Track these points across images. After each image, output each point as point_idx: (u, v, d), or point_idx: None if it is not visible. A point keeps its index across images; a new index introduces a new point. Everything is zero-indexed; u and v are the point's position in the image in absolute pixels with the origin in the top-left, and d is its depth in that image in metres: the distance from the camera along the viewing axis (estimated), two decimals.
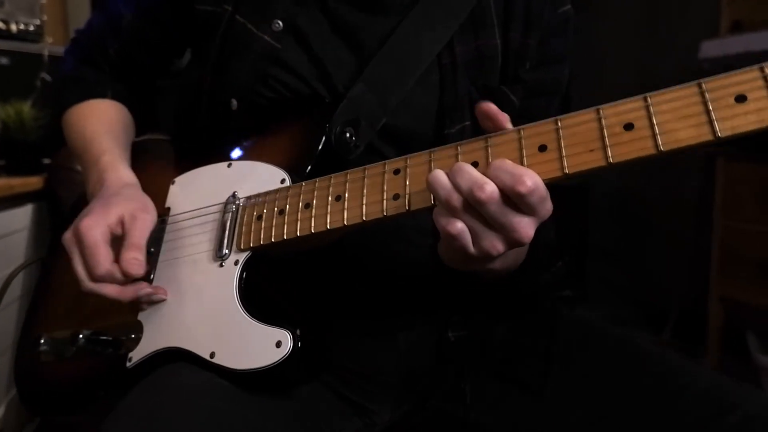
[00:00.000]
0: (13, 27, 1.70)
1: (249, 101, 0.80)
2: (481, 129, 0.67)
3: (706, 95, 0.51)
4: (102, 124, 0.90)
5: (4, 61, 1.66)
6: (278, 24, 0.78)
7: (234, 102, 0.80)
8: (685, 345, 2.31)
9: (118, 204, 0.74)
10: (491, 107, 0.59)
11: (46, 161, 1.60)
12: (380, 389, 0.83)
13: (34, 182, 1.53)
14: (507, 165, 0.54)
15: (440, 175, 0.56)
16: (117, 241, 0.72)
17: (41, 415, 1.05)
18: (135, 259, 0.70)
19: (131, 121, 0.96)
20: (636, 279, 2.71)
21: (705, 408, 0.66)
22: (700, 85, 0.51)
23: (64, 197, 1.40)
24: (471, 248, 0.56)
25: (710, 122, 0.50)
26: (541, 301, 0.87)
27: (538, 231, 0.56)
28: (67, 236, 0.73)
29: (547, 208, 0.55)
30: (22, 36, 1.72)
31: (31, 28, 1.75)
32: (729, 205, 2.08)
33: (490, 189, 0.53)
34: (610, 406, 0.73)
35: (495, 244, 0.55)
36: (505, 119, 0.59)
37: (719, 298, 2.13)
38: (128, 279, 0.71)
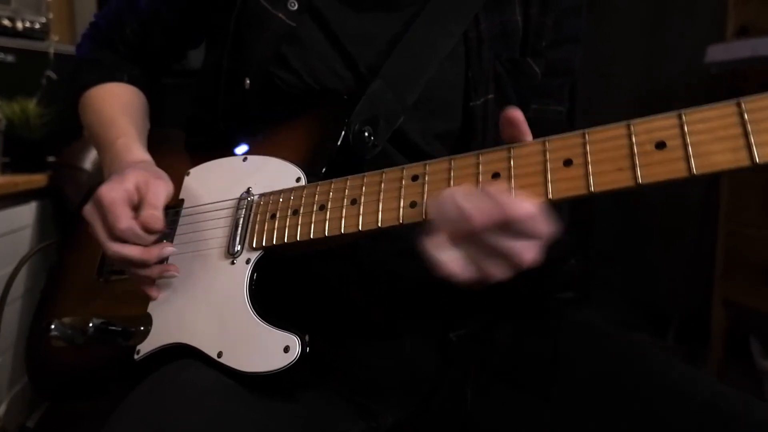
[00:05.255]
0: (19, 24, 1.70)
1: (262, 81, 0.79)
2: (503, 103, 0.65)
3: (745, 116, 0.47)
4: (119, 108, 0.91)
5: (10, 58, 1.66)
6: (293, 3, 0.78)
7: (247, 81, 0.80)
8: (688, 348, 2.31)
9: (133, 173, 0.74)
10: (518, 115, 0.57)
11: (51, 159, 1.60)
12: (384, 392, 0.83)
13: (38, 180, 1.52)
14: (492, 192, 0.52)
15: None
16: (134, 210, 0.72)
17: (50, 401, 1.06)
18: (153, 215, 0.70)
19: (147, 106, 0.97)
20: (639, 282, 2.70)
21: (708, 418, 0.66)
22: (739, 105, 0.47)
23: (69, 195, 1.41)
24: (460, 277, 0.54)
25: (748, 146, 0.46)
26: (546, 304, 0.87)
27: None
28: (87, 207, 0.74)
29: (544, 229, 0.52)
30: (28, 34, 1.73)
31: (37, 25, 1.75)
32: (734, 210, 2.08)
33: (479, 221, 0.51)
34: (614, 412, 0.73)
35: (495, 270, 0.53)
36: (527, 133, 0.57)
37: (723, 302, 2.13)
38: (149, 241, 0.71)
